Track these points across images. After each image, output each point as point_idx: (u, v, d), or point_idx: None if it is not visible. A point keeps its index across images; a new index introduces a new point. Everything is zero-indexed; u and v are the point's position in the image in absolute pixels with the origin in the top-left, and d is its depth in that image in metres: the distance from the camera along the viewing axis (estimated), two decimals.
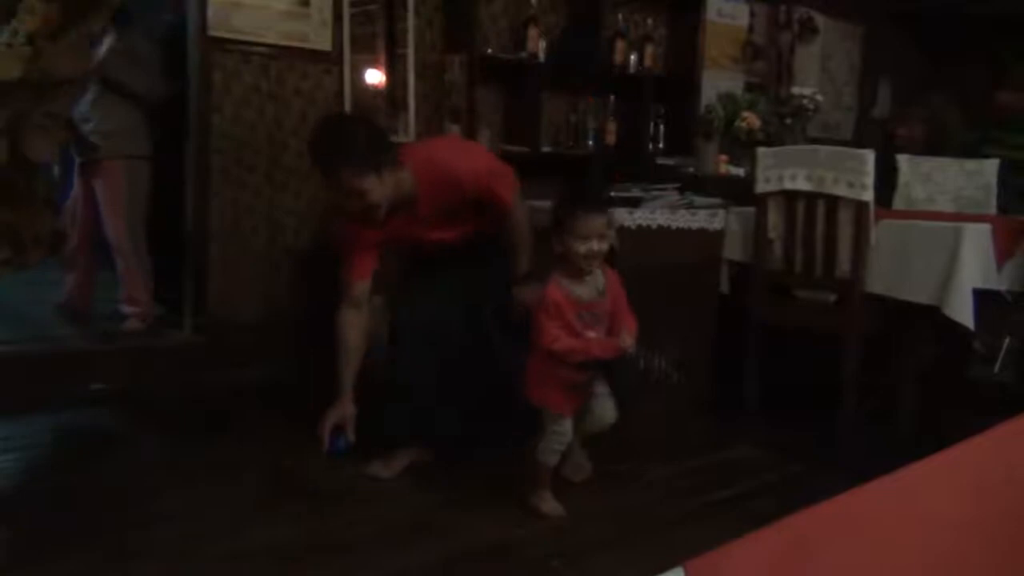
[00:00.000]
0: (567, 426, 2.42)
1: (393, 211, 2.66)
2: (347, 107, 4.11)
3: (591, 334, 2.35)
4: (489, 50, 4.52)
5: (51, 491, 2.54)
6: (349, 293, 2.73)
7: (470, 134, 4.39)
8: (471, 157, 2.83)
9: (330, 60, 4.05)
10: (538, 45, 4.63)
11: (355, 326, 2.72)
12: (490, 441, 2.76)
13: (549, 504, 2.43)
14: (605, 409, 2.51)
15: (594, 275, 2.36)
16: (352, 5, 4.08)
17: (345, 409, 2.68)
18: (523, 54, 4.61)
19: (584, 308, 2.35)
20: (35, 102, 3.40)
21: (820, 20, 6.28)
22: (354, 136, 2.56)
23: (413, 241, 2.80)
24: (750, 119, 4.03)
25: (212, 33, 3.72)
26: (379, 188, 2.57)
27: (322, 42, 4.02)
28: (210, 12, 3.70)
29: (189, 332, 3.89)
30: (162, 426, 3.18)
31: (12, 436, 2.91)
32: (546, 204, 3.57)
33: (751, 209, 3.36)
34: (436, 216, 2.74)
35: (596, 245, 2.30)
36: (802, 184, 3.18)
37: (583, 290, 2.36)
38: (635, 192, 3.49)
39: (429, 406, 2.72)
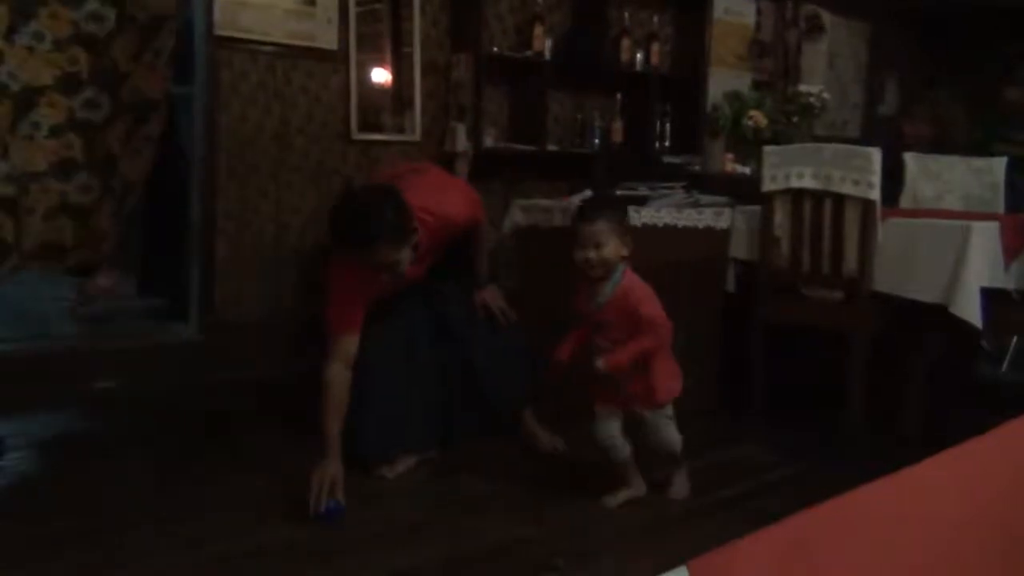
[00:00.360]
0: (601, 424, 2.48)
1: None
2: (353, 104, 4.12)
3: (601, 343, 2.36)
4: (495, 49, 4.52)
5: (53, 490, 2.55)
6: (339, 348, 2.57)
7: (476, 133, 4.39)
8: (458, 197, 2.96)
9: (336, 59, 4.06)
10: (544, 44, 4.63)
11: (344, 383, 2.55)
12: (471, 429, 2.93)
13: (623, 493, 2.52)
14: (658, 432, 2.50)
15: (605, 284, 2.34)
16: (358, 4, 4.09)
17: (333, 469, 2.41)
18: (529, 53, 4.61)
19: (591, 316, 2.36)
20: (134, 125, 3.47)
21: (827, 18, 6.27)
22: (384, 211, 2.51)
23: (392, 290, 2.81)
24: (756, 117, 4.02)
25: (219, 32, 3.72)
26: (408, 255, 2.59)
27: (328, 41, 4.03)
28: (217, 11, 3.71)
29: (195, 331, 3.90)
30: (166, 425, 3.18)
31: (16, 434, 2.92)
32: (550, 203, 3.58)
33: (757, 208, 3.35)
34: (426, 260, 2.84)
35: (591, 253, 2.29)
36: (809, 182, 3.17)
37: (592, 299, 2.36)
38: (641, 191, 3.49)
39: (398, 414, 2.77)
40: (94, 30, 3.40)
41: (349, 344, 2.57)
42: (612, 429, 2.47)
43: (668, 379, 2.45)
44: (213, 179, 3.81)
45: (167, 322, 4.05)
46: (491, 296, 3.05)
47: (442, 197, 2.87)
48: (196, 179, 3.83)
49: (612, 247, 2.30)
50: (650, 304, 2.30)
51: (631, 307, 2.28)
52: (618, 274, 2.31)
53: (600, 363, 2.30)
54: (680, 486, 2.59)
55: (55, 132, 3.37)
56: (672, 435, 2.50)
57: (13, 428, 2.96)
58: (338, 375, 2.54)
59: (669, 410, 2.49)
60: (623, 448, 2.49)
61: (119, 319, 4.04)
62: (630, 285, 2.32)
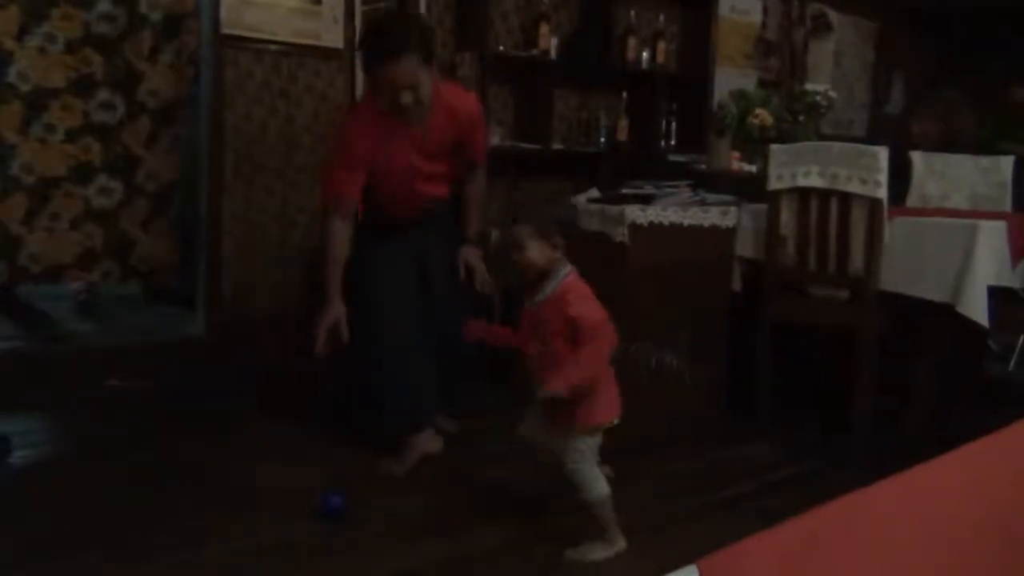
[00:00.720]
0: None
1: (410, 123, 2.77)
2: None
3: (535, 346, 2.28)
4: (500, 48, 4.52)
5: (61, 489, 2.56)
6: (341, 207, 2.81)
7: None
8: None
9: (341, 58, 4.06)
10: (549, 42, 4.63)
11: (344, 236, 2.82)
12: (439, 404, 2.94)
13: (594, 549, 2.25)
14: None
15: (547, 284, 2.28)
16: (364, 3, 4.09)
17: (336, 311, 2.72)
18: (534, 52, 4.61)
19: (529, 315, 2.32)
20: (159, 126, 3.49)
21: (834, 16, 6.26)
22: (411, 26, 2.72)
23: (397, 179, 2.86)
24: (763, 116, 4.01)
25: (225, 31, 3.73)
26: (428, 84, 2.69)
27: (334, 40, 4.03)
28: (223, 10, 3.71)
29: (203, 327, 3.91)
30: (173, 422, 3.19)
31: (26, 432, 2.93)
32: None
33: (763, 206, 3.34)
34: (432, 148, 2.86)
35: (516, 255, 2.28)
36: (815, 181, 3.16)
37: (532, 298, 2.31)
38: (647, 189, 3.49)
39: (415, 383, 2.81)
40: (106, 31, 3.40)
41: (349, 204, 2.83)
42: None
43: (607, 402, 2.26)
44: (219, 177, 3.82)
45: (174, 319, 4.06)
46: (474, 256, 3.01)
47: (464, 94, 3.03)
48: (203, 177, 3.84)
49: (535, 250, 2.28)
50: (582, 305, 2.19)
51: (563, 307, 2.21)
52: (560, 275, 2.29)
53: (544, 393, 2.16)
54: (586, 551, 2.23)
55: (71, 136, 3.39)
56: (587, 474, 2.23)
57: (20, 427, 2.97)
58: (339, 229, 2.80)
59: (591, 443, 2.24)
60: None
61: (126, 315, 4.06)
62: (568, 287, 2.25)
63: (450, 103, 2.84)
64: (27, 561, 2.09)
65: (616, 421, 2.24)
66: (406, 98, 2.66)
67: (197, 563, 2.10)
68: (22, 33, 3.29)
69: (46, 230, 3.39)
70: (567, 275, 2.28)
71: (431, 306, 2.89)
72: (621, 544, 2.24)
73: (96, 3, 3.41)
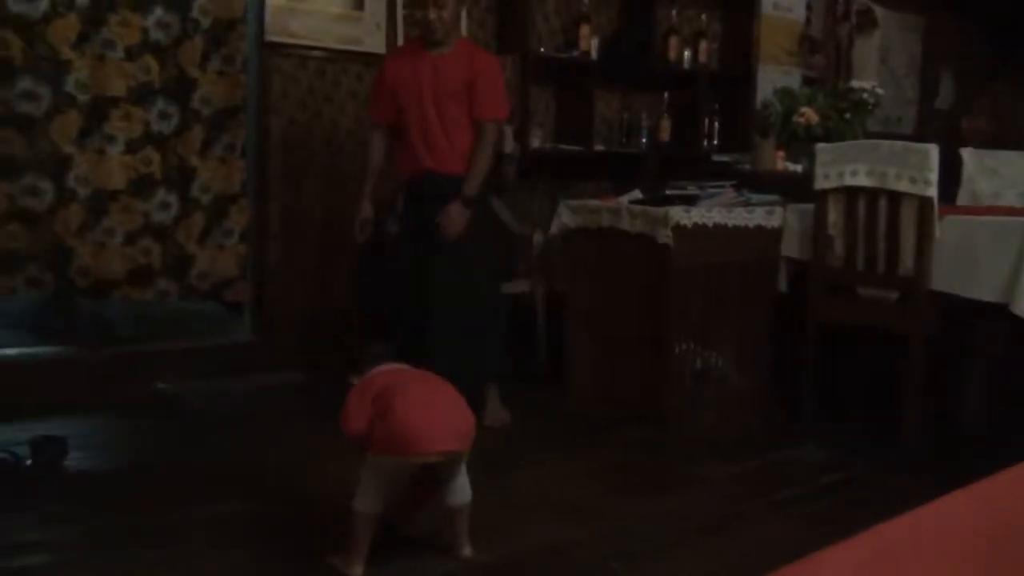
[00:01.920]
0: None
1: (432, 45, 3.16)
2: None
3: None
4: (542, 49, 4.52)
5: (115, 489, 2.61)
6: (379, 124, 3.32)
7: (523, 134, 4.39)
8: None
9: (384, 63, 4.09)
10: (590, 44, 4.62)
11: (379, 147, 3.31)
12: None
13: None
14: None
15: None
16: (404, 7, 4.12)
17: (364, 211, 3.26)
18: (575, 53, 4.60)
19: None
20: (212, 134, 3.54)
21: (879, 11, 6.15)
22: None
23: (416, 105, 3.16)
24: (808, 114, 3.95)
25: (270, 38, 3.78)
26: (453, 11, 3.13)
27: (375, 45, 4.06)
28: (268, 17, 3.76)
29: (250, 331, 3.96)
30: (220, 426, 3.24)
31: (78, 435, 2.99)
32: (598, 204, 3.57)
33: (810, 206, 3.30)
34: (447, 78, 3.13)
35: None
36: (863, 180, 3.11)
37: None
38: (690, 190, 3.46)
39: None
40: (161, 37, 3.43)
41: (385, 123, 3.30)
42: None
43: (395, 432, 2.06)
44: (265, 183, 3.87)
45: (222, 323, 4.12)
46: (455, 211, 3.10)
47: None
48: (249, 183, 3.89)
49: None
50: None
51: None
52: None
53: None
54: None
55: (132, 147, 3.39)
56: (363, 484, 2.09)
57: (73, 429, 3.03)
58: (377, 141, 3.32)
59: (384, 464, 2.09)
60: None
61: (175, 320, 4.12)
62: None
63: (471, 48, 3.28)
64: (87, 561, 2.14)
65: (428, 458, 2.02)
66: (432, 13, 3.07)
67: (235, 564, 2.13)
68: (80, 41, 3.33)
69: (99, 244, 3.43)
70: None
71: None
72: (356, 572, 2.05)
73: (153, 8, 3.46)
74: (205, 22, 3.53)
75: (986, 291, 2.88)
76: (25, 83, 3.21)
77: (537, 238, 4.03)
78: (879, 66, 6.17)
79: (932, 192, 2.96)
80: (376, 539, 2.08)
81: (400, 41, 4.09)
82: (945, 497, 0.97)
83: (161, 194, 3.52)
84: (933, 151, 2.96)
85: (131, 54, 3.41)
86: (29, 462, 2.69)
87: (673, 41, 4.97)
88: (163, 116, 3.51)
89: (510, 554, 2.21)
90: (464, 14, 4.28)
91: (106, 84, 3.36)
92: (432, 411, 2.06)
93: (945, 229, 2.99)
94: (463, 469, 2.13)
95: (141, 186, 3.48)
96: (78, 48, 3.30)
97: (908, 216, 3.02)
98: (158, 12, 3.45)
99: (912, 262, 3.01)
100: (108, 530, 2.29)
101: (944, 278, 2.98)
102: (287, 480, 2.68)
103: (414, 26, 4.06)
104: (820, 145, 3.30)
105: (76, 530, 2.30)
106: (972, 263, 2.92)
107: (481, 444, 2.19)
